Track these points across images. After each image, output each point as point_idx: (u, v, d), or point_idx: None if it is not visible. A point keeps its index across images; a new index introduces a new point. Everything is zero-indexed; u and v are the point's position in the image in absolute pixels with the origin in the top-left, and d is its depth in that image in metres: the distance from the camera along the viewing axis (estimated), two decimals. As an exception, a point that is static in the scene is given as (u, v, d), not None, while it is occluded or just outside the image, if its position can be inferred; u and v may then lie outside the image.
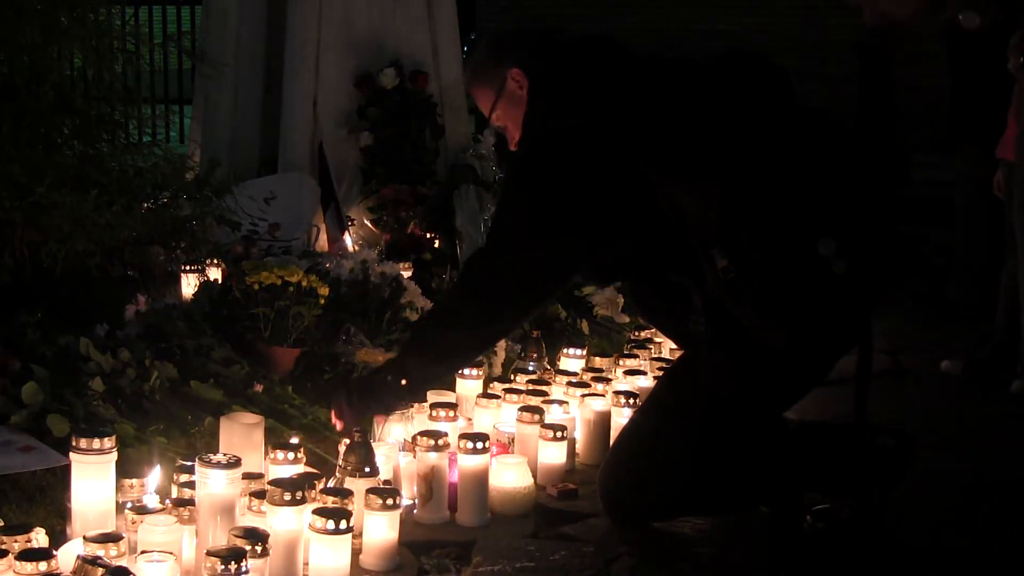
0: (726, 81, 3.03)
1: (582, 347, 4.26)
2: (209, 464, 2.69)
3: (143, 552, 2.51)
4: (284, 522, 2.66)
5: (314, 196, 5.89)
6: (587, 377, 3.87)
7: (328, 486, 2.92)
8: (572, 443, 3.59)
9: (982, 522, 3.42)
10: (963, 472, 3.81)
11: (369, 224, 6.06)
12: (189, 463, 2.88)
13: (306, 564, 2.72)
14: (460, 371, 3.80)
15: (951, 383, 4.86)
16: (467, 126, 6.79)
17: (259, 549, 2.53)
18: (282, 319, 4.04)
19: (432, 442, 3.12)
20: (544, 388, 3.75)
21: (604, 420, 3.68)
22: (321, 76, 6.13)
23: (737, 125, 2.90)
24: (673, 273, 3.13)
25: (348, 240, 5.85)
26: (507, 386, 3.75)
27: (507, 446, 3.46)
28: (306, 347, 4.11)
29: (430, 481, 3.12)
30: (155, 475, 2.90)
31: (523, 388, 3.73)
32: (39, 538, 2.54)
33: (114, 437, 2.78)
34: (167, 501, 2.82)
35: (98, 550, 2.45)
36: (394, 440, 3.33)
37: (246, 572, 2.44)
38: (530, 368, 4.04)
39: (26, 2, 4.31)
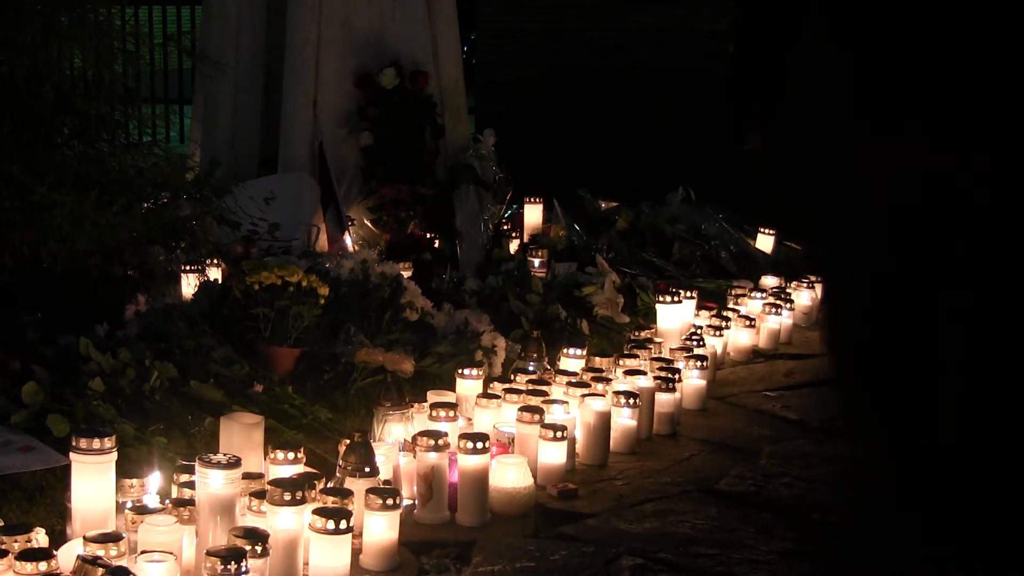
0: None
1: (582, 347, 4.25)
2: (209, 464, 2.69)
3: (143, 552, 2.51)
4: (284, 522, 2.66)
5: (314, 196, 5.89)
6: (587, 377, 3.87)
7: (328, 486, 2.92)
8: (572, 443, 3.59)
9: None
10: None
11: (369, 224, 6.06)
12: (189, 463, 2.88)
13: (306, 564, 2.72)
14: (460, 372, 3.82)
15: (951, 383, 4.85)
16: (467, 126, 6.79)
17: (259, 549, 2.53)
18: (282, 319, 4.04)
19: (432, 442, 3.12)
20: (544, 388, 3.75)
21: (604, 420, 3.68)
22: (321, 76, 6.13)
23: None
24: None
25: (348, 240, 5.85)
26: (507, 386, 3.75)
27: (507, 446, 3.46)
28: (306, 347, 4.11)
29: (430, 481, 3.12)
30: (155, 478, 2.90)
31: (523, 388, 3.72)
32: (39, 538, 2.55)
33: (114, 437, 2.78)
34: (167, 501, 2.82)
35: (98, 550, 2.45)
36: (394, 440, 3.33)
37: (246, 572, 2.44)
38: (530, 368, 4.04)
39: (26, 2, 4.31)
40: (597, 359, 4.16)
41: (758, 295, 5.41)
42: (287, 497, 2.66)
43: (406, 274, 4.85)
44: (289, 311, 4.04)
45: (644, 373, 4.00)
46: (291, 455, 3.00)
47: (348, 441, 3.08)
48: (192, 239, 4.71)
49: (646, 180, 7.34)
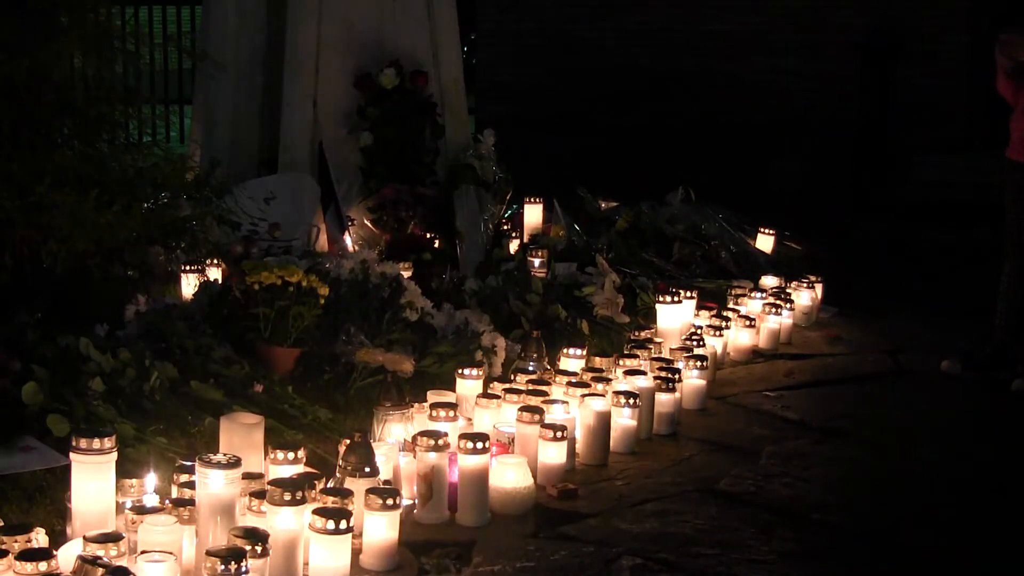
0: None
1: (582, 347, 4.25)
2: (209, 464, 2.69)
3: (143, 552, 2.51)
4: (284, 522, 2.66)
5: (314, 196, 5.89)
6: (587, 377, 3.87)
7: (328, 486, 2.92)
8: (572, 443, 3.59)
9: (983, 522, 3.42)
10: (963, 472, 3.81)
11: (369, 224, 6.06)
12: (189, 463, 2.88)
13: (306, 564, 2.72)
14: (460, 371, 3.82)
15: (951, 383, 4.85)
16: (467, 126, 6.79)
17: (259, 549, 2.53)
18: (282, 319, 4.04)
19: (432, 442, 3.12)
20: (544, 388, 3.75)
21: (604, 420, 3.68)
22: (321, 76, 6.12)
23: None
24: None
25: (348, 240, 5.85)
26: (507, 386, 3.75)
27: (507, 446, 3.46)
28: (306, 347, 4.11)
29: (430, 481, 3.12)
30: (151, 479, 2.90)
31: (523, 388, 3.72)
32: (39, 538, 2.54)
33: (114, 437, 2.78)
34: (167, 501, 2.82)
35: (98, 550, 2.45)
36: (394, 440, 3.33)
37: (246, 572, 2.44)
38: (530, 368, 4.04)
39: (26, 2, 4.31)
40: (597, 359, 4.17)
41: (758, 295, 5.41)
42: (287, 497, 2.65)
43: (406, 274, 4.85)
44: (289, 311, 4.04)
45: (644, 373, 4.00)
46: (291, 455, 3.00)
47: (348, 441, 3.08)
48: (192, 239, 4.71)
49: (647, 180, 7.34)
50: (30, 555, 2.43)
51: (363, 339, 4.14)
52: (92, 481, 2.75)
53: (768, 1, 9.95)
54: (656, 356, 4.29)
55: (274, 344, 4.05)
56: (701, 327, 4.82)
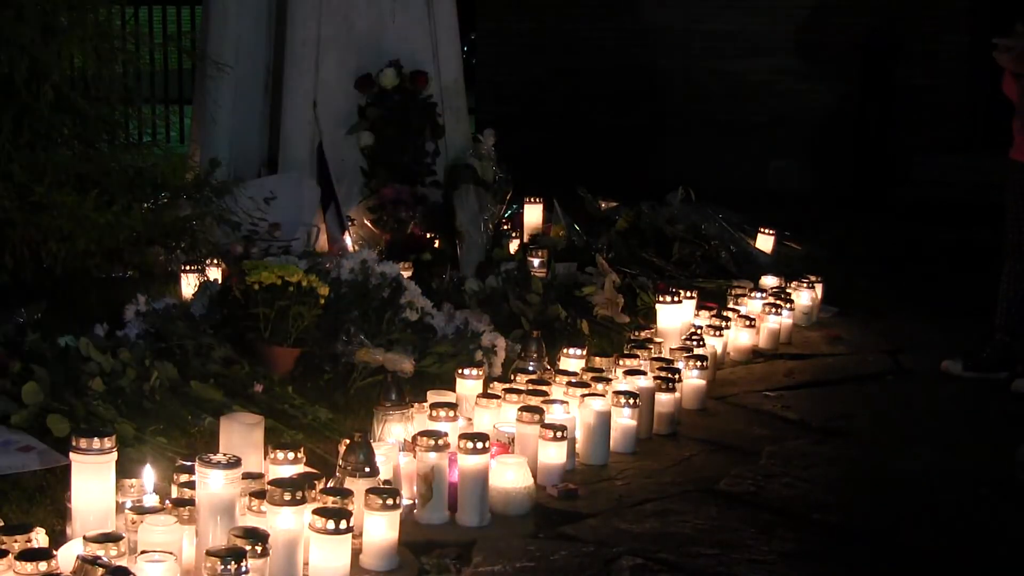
0: None
1: (582, 347, 4.25)
2: (209, 464, 2.69)
3: (143, 552, 2.51)
4: (284, 522, 2.66)
5: (314, 196, 5.89)
6: (587, 377, 3.87)
7: (328, 486, 2.92)
8: (572, 443, 3.59)
9: (983, 522, 3.42)
10: (963, 472, 3.80)
11: (369, 224, 6.07)
12: (189, 463, 2.88)
13: (306, 564, 2.72)
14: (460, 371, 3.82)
15: (951, 383, 4.85)
16: (467, 126, 6.79)
17: (259, 549, 2.53)
18: (282, 319, 4.04)
19: (432, 442, 3.12)
20: (544, 388, 3.75)
21: (604, 420, 3.68)
22: (321, 76, 6.13)
23: None
24: None
25: (348, 240, 5.85)
26: (507, 386, 3.75)
27: (507, 446, 3.46)
28: (306, 347, 4.11)
29: (430, 481, 3.12)
30: (149, 475, 2.90)
31: (523, 388, 3.72)
32: (39, 538, 2.55)
33: (114, 437, 2.78)
34: (167, 501, 2.82)
35: (98, 550, 2.45)
36: (394, 440, 3.33)
37: (246, 572, 2.44)
38: (530, 368, 4.04)
39: (26, 2, 4.31)
40: (597, 359, 4.16)
41: (758, 295, 5.41)
42: (287, 497, 2.65)
43: (406, 274, 4.85)
44: (289, 311, 4.04)
45: (644, 373, 4.00)
46: (291, 455, 3.00)
47: (348, 441, 3.08)
48: (192, 239, 4.71)
49: (647, 180, 7.34)
50: (30, 555, 2.43)
51: (363, 339, 4.14)
52: (92, 481, 2.75)
53: (768, 1, 9.95)
54: (656, 356, 4.29)
55: (274, 344, 4.05)
56: (701, 327, 4.82)
